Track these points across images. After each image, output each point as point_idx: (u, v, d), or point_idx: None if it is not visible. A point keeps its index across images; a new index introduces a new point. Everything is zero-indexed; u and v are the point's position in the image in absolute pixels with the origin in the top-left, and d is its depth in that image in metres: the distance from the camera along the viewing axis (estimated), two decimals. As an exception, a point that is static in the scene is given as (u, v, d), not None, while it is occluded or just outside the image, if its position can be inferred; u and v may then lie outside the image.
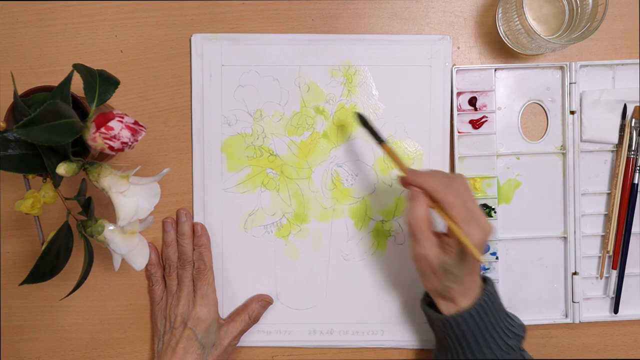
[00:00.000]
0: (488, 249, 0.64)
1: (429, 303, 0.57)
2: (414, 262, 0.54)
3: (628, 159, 0.64)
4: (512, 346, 0.54)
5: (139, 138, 0.47)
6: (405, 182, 0.54)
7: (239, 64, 0.63)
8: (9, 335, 0.64)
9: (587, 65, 0.64)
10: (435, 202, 0.52)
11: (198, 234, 0.62)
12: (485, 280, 0.56)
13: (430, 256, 0.52)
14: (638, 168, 0.64)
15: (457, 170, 0.63)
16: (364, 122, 0.59)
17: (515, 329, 0.55)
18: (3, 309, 0.64)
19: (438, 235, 0.53)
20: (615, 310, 0.65)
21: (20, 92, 0.50)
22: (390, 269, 0.64)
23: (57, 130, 0.44)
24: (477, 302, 0.53)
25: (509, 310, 0.56)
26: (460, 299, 0.53)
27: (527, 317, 0.65)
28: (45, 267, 0.49)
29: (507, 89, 0.64)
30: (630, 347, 0.66)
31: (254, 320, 0.63)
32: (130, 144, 0.47)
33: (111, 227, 0.51)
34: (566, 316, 0.65)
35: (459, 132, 0.64)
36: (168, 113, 0.63)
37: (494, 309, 0.54)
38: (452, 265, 0.51)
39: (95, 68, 0.50)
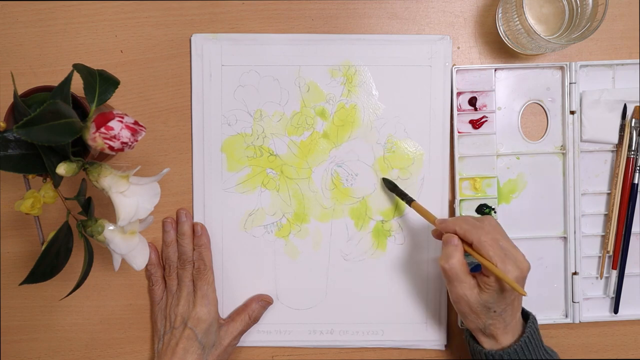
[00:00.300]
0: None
1: (474, 337, 0.57)
2: (454, 304, 0.55)
3: (628, 159, 0.64)
4: None
5: (139, 138, 0.47)
6: (437, 232, 0.57)
7: (239, 64, 0.63)
8: (9, 335, 0.64)
9: (587, 65, 0.64)
10: (468, 244, 0.53)
11: (198, 234, 0.62)
12: (527, 316, 0.56)
13: (469, 296, 0.53)
14: (638, 168, 0.64)
15: (457, 169, 0.64)
16: (391, 186, 0.63)
17: None
18: (3, 309, 0.64)
19: (474, 276, 0.54)
20: (615, 310, 0.65)
21: (20, 92, 0.50)
22: (390, 269, 0.64)
23: (57, 130, 0.44)
24: (520, 340, 0.54)
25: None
26: (502, 336, 0.54)
27: (527, 317, 0.65)
28: (45, 267, 0.49)
29: (507, 89, 0.64)
30: (630, 347, 0.66)
31: (254, 320, 0.63)
32: (130, 144, 0.47)
33: (111, 227, 0.51)
34: (566, 316, 0.65)
35: (459, 132, 0.64)
36: (168, 113, 0.63)
37: (535, 347, 0.55)
38: (492, 303, 0.53)
39: (95, 68, 0.50)
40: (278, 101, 0.63)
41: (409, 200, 0.61)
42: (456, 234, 0.54)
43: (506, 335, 0.54)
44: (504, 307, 0.53)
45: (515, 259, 0.52)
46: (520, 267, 0.52)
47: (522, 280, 0.52)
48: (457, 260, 0.53)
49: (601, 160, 0.65)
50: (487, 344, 0.55)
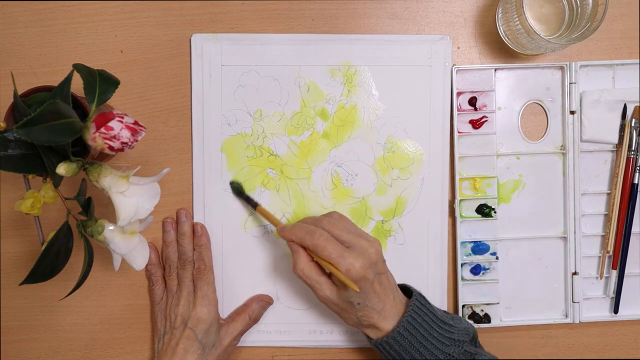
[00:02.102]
0: (487, 248, 0.64)
1: None
2: (325, 305, 0.56)
3: (628, 159, 0.64)
4: (451, 353, 0.55)
5: (139, 138, 0.47)
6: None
7: (239, 64, 0.63)
8: (9, 335, 0.64)
9: (587, 65, 0.64)
10: (307, 249, 0.54)
11: (198, 234, 0.62)
12: (412, 294, 0.57)
13: (330, 296, 0.54)
14: (638, 168, 0.64)
15: (457, 169, 0.63)
16: (237, 191, 0.63)
17: (454, 335, 0.56)
18: (3, 309, 0.64)
19: (329, 275, 0.55)
20: (615, 310, 0.65)
21: (20, 92, 0.50)
22: (390, 269, 0.64)
23: (57, 130, 0.44)
24: (401, 321, 0.54)
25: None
26: (382, 323, 0.55)
27: (527, 317, 0.65)
28: (45, 267, 0.49)
29: (507, 89, 0.64)
30: (630, 347, 0.66)
31: (254, 320, 0.63)
32: (130, 144, 0.47)
33: (111, 227, 0.51)
34: (566, 316, 0.65)
35: (459, 132, 0.64)
36: (168, 113, 0.63)
37: (423, 322, 0.55)
38: (350, 297, 0.53)
39: (95, 68, 0.50)
40: (278, 101, 0.63)
41: (254, 205, 0.61)
42: (294, 242, 0.54)
43: (386, 321, 0.55)
44: (365, 297, 0.53)
45: (360, 248, 0.53)
46: (366, 255, 0.52)
47: (370, 267, 0.52)
48: (303, 265, 0.54)
49: (601, 160, 0.65)
50: (372, 334, 0.56)
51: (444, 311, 0.60)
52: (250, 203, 0.62)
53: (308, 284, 0.55)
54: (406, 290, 0.59)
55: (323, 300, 0.55)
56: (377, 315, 0.54)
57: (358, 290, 0.51)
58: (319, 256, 0.53)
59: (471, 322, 0.64)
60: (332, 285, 0.54)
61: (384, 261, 0.55)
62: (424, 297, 0.57)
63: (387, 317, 0.55)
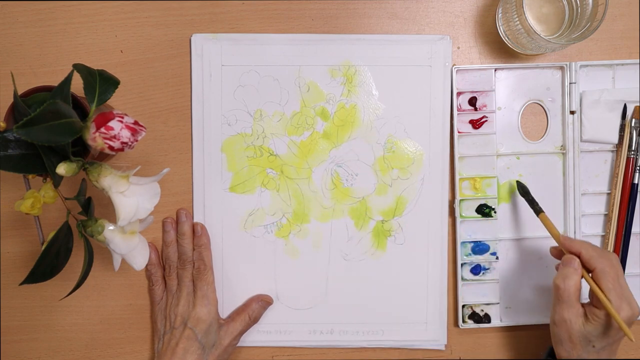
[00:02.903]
0: (487, 248, 0.64)
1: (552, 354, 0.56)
2: (554, 326, 0.54)
3: (628, 159, 0.64)
4: None
5: (139, 138, 0.47)
6: (557, 251, 0.56)
7: (239, 64, 0.63)
8: (9, 335, 0.64)
9: (587, 65, 0.64)
10: (588, 269, 0.52)
11: (198, 234, 0.62)
12: None
13: (573, 322, 0.52)
14: (638, 168, 0.64)
15: (457, 169, 0.63)
16: (524, 191, 0.62)
17: None
18: (3, 309, 0.64)
19: (583, 305, 0.53)
20: (615, 310, 0.65)
21: (20, 92, 0.50)
22: (390, 269, 0.64)
23: (57, 130, 0.44)
24: None
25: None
26: None
27: (527, 317, 0.65)
28: (45, 267, 0.49)
29: (507, 89, 0.64)
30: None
31: (254, 320, 0.63)
32: (130, 144, 0.47)
33: (111, 227, 0.51)
34: (566, 316, 0.65)
35: (459, 132, 0.64)
36: (168, 113, 0.63)
37: None
38: (594, 337, 0.51)
39: (95, 68, 0.50)
40: (278, 101, 0.63)
41: (538, 211, 0.60)
42: (580, 256, 0.53)
43: None
44: (604, 346, 0.52)
45: (630, 300, 0.51)
46: (634, 309, 0.51)
47: (631, 322, 0.51)
48: (574, 283, 0.52)
49: (601, 160, 0.65)
50: None
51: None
52: (535, 207, 0.61)
53: (563, 300, 0.52)
54: None
55: (561, 322, 0.52)
56: None
57: (633, 340, 0.49)
58: (599, 284, 0.51)
59: (471, 322, 0.64)
60: (582, 315, 0.52)
61: None
62: None
63: None
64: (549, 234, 0.65)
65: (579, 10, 0.59)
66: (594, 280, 0.52)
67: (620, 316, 0.50)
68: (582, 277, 0.53)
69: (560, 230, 0.65)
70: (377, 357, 0.65)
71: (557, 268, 0.56)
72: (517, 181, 0.63)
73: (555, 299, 0.53)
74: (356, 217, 0.64)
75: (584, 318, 0.52)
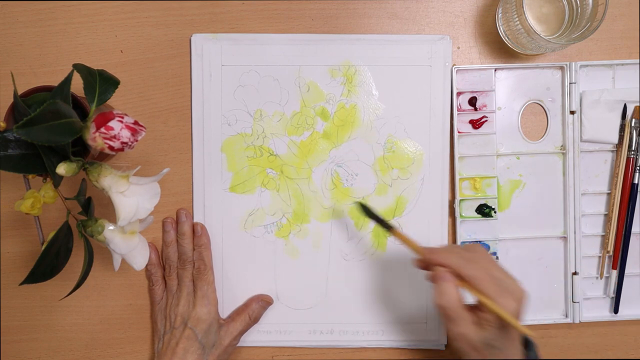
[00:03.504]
0: (487, 248, 0.64)
1: None
2: (453, 342, 0.51)
3: (628, 159, 0.64)
4: None
5: (139, 138, 0.47)
6: (423, 263, 0.53)
7: (239, 64, 0.63)
8: (9, 335, 0.64)
9: (587, 65, 0.64)
10: (460, 279, 0.50)
11: (198, 234, 0.62)
12: (527, 344, 0.53)
13: (470, 334, 0.49)
14: (638, 168, 0.64)
15: (457, 169, 0.63)
16: (369, 212, 0.58)
17: None
18: (3, 309, 0.64)
19: (471, 310, 0.50)
20: (615, 310, 0.65)
21: (20, 92, 0.50)
22: (390, 269, 0.64)
23: (57, 130, 0.44)
24: None
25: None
26: None
27: (527, 317, 0.65)
28: (45, 267, 0.49)
29: (507, 89, 0.64)
30: (631, 347, 0.66)
31: (254, 320, 0.63)
32: (130, 144, 0.47)
33: (111, 227, 0.51)
34: (566, 316, 0.65)
35: (459, 132, 0.64)
36: (168, 113, 0.63)
37: None
38: (494, 340, 0.49)
39: (95, 68, 0.50)
40: (278, 101, 0.63)
41: (389, 227, 0.56)
42: (448, 267, 0.50)
43: None
44: (506, 343, 0.50)
45: (510, 289, 0.49)
46: (517, 298, 0.49)
47: (519, 311, 0.49)
48: (453, 298, 0.49)
49: (601, 160, 0.65)
50: None
51: None
52: (384, 225, 0.57)
53: (450, 317, 0.49)
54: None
55: (458, 337, 0.50)
56: None
57: (531, 334, 0.47)
58: (476, 289, 0.49)
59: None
60: (474, 323, 0.49)
61: None
62: (538, 349, 0.54)
63: None
64: (549, 234, 0.65)
65: (579, 10, 0.59)
66: (471, 286, 0.49)
67: (509, 311, 0.48)
68: (459, 285, 0.50)
69: (561, 230, 0.65)
70: (377, 357, 0.65)
71: (427, 278, 0.53)
72: (359, 202, 0.58)
73: (443, 318, 0.50)
74: (356, 217, 0.64)
75: (478, 326, 0.49)
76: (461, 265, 0.50)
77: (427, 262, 0.52)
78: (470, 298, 0.50)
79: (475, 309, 0.50)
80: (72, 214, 0.52)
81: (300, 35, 0.63)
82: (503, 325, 0.49)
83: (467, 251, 0.52)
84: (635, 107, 0.64)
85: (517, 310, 0.49)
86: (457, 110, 0.63)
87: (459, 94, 0.64)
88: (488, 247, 0.64)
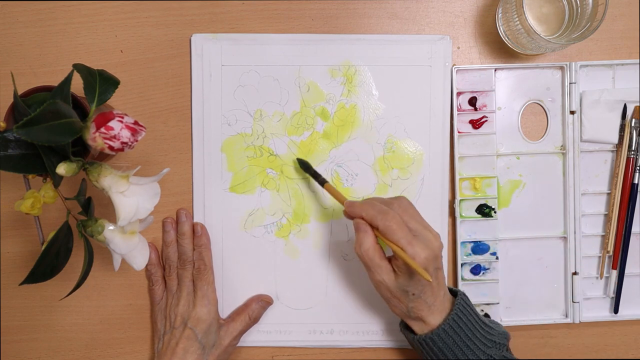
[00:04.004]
0: (487, 248, 0.64)
1: (406, 325, 0.57)
2: (376, 290, 0.55)
3: (628, 159, 0.64)
4: (493, 355, 0.55)
5: (139, 138, 0.47)
6: (348, 215, 0.56)
7: (239, 64, 0.63)
8: (9, 335, 0.64)
9: (587, 65, 0.64)
10: (375, 229, 0.53)
11: (198, 234, 0.62)
12: (457, 293, 0.56)
13: (387, 281, 0.53)
14: (638, 168, 0.64)
15: (457, 169, 0.63)
16: (305, 166, 0.62)
17: (495, 337, 0.55)
18: (3, 309, 0.64)
19: (389, 259, 0.54)
20: (615, 310, 0.65)
21: (20, 92, 0.50)
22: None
23: (57, 130, 0.44)
24: (448, 318, 0.54)
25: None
26: (429, 317, 0.54)
27: (527, 317, 0.65)
28: (45, 267, 0.49)
29: (507, 89, 0.64)
30: (630, 347, 0.66)
31: (254, 320, 0.63)
32: (130, 144, 0.47)
33: (111, 227, 0.51)
34: (566, 316, 0.65)
35: (459, 132, 0.64)
36: (168, 113, 0.63)
37: (468, 322, 0.54)
38: (408, 286, 0.53)
39: (95, 68, 0.50)
40: (278, 101, 0.63)
41: (322, 182, 0.60)
42: (364, 219, 0.53)
43: (433, 316, 0.54)
44: (421, 289, 0.53)
45: (426, 239, 0.52)
46: (431, 247, 0.52)
47: (433, 260, 0.52)
48: (369, 246, 0.53)
49: (601, 160, 0.65)
50: (417, 327, 0.55)
51: (484, 314, 0.60)
52: (318, 179, 0.60)
53: (368, 265, 0.53)
54: (450, 290, 0.58)
55: (377, 284, 0.54)
56: (427, 308, 0.54)
57: (430, 279, 0.50)
58: (388, 239, 0.52)
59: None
60: (391, 271, 0.53)
61: (441, 257, 0.54)
62: (468, 298, 0.56)
63: (434, 312, 0.54)
64: (549, 234, 0.65)
65: (579, 10, 0.59)
66: (384, 236, 0.52)
67: (419, 259, 0.50)
68: (376, 235, 0.53)
69: (561, 230, 0.65)
70: (377, 357, 0.65)
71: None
72: (297, 158, 0.62)
73: (365, 266, 0.54)
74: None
75: (394, 273, 0.53)
76: (375, 217, 0.52)
77: (348, 214, 0.55)
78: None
79: (394, 258, 0.53)
80: (72, 214, 0.52)
81: (300, 35, 0.63)
82: (413, 273, 0.52)
83: (385, 204, 0.54)
84: (635, 107, 0.64)
85: (428, 258, 0.51)
86: (457, 110, 0.64)
87: (459, 94, 0.64)
88: (488, 248, 0.64)
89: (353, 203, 0.55)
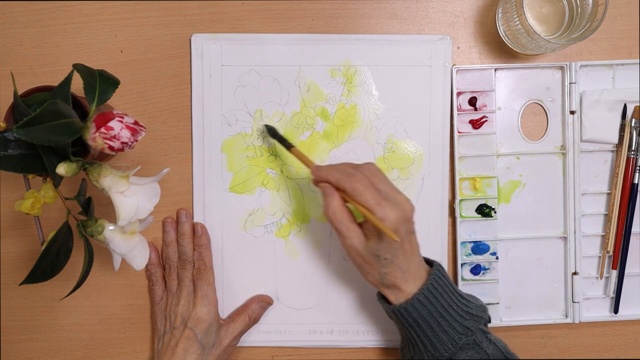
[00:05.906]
0: (487, 248, 0.64)
1: (383, 296, 0.56)
2: (348, 257, 0.54)
3: (628, 159, 0.64)
4: (470, 327, 0.53)
5: (139, 138, 0.47)
6: (315, 180, 0.55)
7: (239, 64, 0.63)
8: (9, 335, 0.64)
9: (587, 65, 0.64)
10: (343, 193, 0.52)
11: (198, 234, 0.62)
12: (432, 263, 0.55)
13: (357, 245, 0.52)
14: (638, 168, 0.64)
15: (457, 169, 0.63)
16: (272, 132, 0.61)
17: (472, 310, 0.54)
18: (3, 309, 0.64)
19: (360, 224, 0.53)
20: (615, 310, 0.65)
21: (20, 92, 0.50)
22: (390, 269, 0.64)
23: (57, 130, 0.44)
24: (424, 286, 0.53)
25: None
26: (405, 285, 0.53)
27: (527, 317, 0.65)
28: (45, 267, 0.49)
29: (507, 89, 0.64)
30: (631, 347, 0.66)
31: (254, 320, 0.63)
32: (130, 144, 0.47)
33: (111, 227, 0.51)
34: (566, 316, 0.65)
35: (459, 132, 0.64)
36: (168, 113, 0.63)
37: (444, 292, 0.53)
38: (379, 250, 0.51)
39: (95, 68, 0.50)
40: (278, 101, 0.63)
41: (288, 146, 0.59)
42: (330, 182, 0.53)
43: (408, 283, 0.53)
44: (393, 252, 0.51)
45: (396, 201, 0.51)
46: (402, 208, 0.51)
47: (404, 222, 0.51)
48: (336, 208, 0.52)
49: (601, 160, 0.65)
50: (393, 297, 0.54)
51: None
52: (285, 144, 0.60)
53: (337, 229, 0.52)
54: (426, 261, 0.57)
55: (348, 249, 0.53)
56: (401, 275, 0.53)
57: (398, 240, 0.49)
58: (355, 201, 0.50)
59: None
60: (361, 235, 0.52)
61: (413, 222, 0.53)
62: (444, 269, 0.55)
63: (409, 279, 0.53)
64: (549, 234, 0.65)
65: (579, 10, 0.59)
66: (351, 198, 0.51)
67: (389, 221, 0.49)
68: (345, 199, 0.52)
69: (560, 230, 0.65)
70: (377, 357, 0.65)
71: None
72: (264, 124, 0.62)
73: (335, 231, 0.53)
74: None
75: (365, 237, 0.52)
76: (342, 180, 0.51)
77: (315, 178, 0.54)
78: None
79: (365, 222, 0.52)
80: (72, 214, 0.52)
81: (300, 35, 0.63)
82: (383, 235, 0.50)
83: (353, 167, 0.53)
84: (635, 107, 0.64)
85: (398, 219, 0.50)
86: (457, 110, 0.64)
87: (459, 94, 0.64)
88: (488, 248, 0.64)
89: (320, 167, 0.54)
